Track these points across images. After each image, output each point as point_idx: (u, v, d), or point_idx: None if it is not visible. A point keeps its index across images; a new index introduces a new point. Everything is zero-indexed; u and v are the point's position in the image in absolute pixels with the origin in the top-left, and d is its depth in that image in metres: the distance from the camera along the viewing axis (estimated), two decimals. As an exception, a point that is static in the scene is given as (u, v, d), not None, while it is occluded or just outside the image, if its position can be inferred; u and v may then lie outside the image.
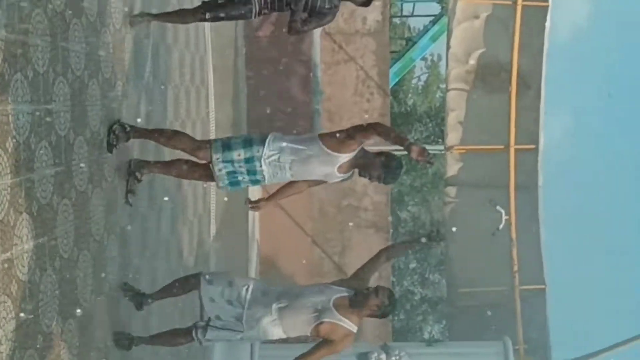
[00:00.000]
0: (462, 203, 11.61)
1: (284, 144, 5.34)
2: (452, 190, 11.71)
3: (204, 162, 5.48)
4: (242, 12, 5.84)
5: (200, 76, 8.50)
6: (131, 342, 5.52)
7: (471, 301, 11.58)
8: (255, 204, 5.86)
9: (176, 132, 5.87)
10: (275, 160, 5.32)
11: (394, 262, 21.09)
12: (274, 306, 5.29)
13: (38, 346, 4.11)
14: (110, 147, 5.27)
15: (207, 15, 5.92)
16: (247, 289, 5.37)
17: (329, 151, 5.29)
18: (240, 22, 11.47)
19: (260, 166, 5.32)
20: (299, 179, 5.50)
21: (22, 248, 3.95)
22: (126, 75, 5.73)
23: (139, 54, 6.10)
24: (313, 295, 5.32)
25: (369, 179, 5.34)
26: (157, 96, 6.67)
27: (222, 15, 5.92)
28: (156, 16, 6.14)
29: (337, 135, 5.34)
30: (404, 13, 24.38)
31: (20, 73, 3.93)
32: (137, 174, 5.67)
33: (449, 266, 12.22)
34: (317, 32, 11.84)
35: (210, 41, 8.93)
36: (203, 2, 6.03)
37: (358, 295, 5.26)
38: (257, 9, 5.82)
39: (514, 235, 11.06)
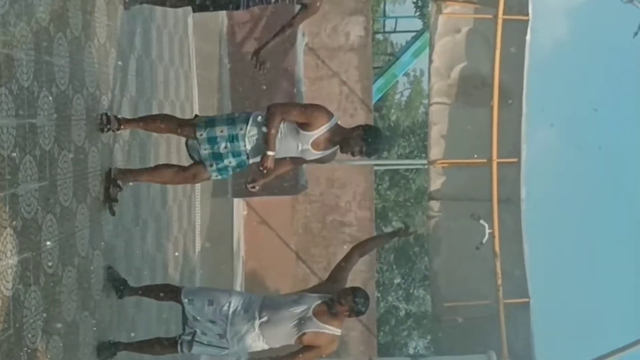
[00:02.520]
0: (445, 217, 11.61)
1: (263, 128, 5.35)
2: (435, 205, 11.70)
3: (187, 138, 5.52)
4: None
5: (184, 91, 8.51)
6: (116, 349, 5.49)
7: (456, 315, 11.57)
8: (253, 183, 5.76)
9: (164, 115, 6.04)
10: (255, 136, 5.34)
11: (378, 278, 21.07)
12: (256, 322, 5.35)
13: (22, 362, 4.09)
14: (102, 128, 5.37)
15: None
16: (228, 306, 5.40)
17: (301, 131, 5.34)
18: (224, 38, 11.50)
19: (245, 145, 5.35)
20: (278, 154, 5.45)
21: (6, 263, 3.93)
22: (111, 90, 5.73)
23: (123, 68, 6.10)
24: (292, 307, 5.36)
25: (352, 153, 5.35)
26: (141, 111, 6.66)
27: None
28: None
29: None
30: (387, 29, 24.58)
31: (5, 87, 3.92)
32: (119, 182, 5.65)
33: (434, 280, 12.20)
34: (300, 48, 11.88)
35: (195, 56, 8.94)
36: None
37: (330, 302, 5.30)
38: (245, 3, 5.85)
39: (497, 248, 11.05)
